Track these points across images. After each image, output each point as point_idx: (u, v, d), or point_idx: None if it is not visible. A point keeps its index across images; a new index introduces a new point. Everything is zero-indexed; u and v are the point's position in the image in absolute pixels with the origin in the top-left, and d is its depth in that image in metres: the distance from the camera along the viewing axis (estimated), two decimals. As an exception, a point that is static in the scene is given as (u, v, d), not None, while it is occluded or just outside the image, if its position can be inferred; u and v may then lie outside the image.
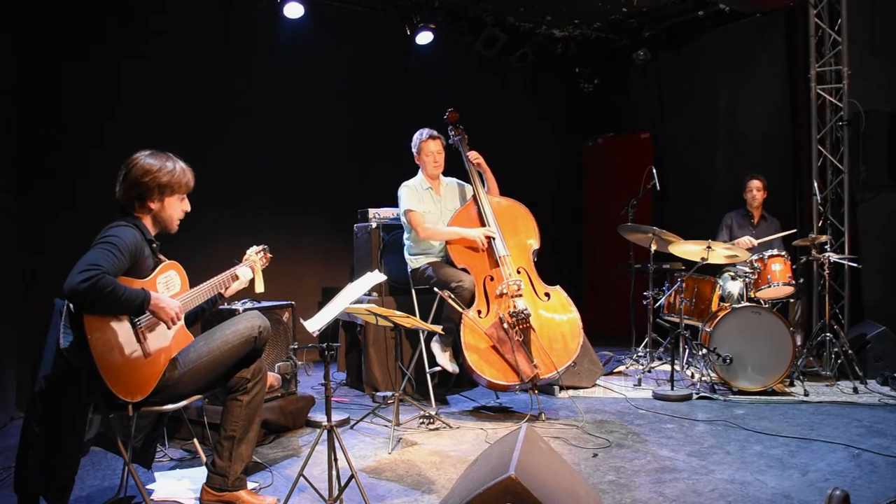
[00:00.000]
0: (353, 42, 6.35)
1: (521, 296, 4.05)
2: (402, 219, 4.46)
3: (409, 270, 4.52)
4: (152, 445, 2.96)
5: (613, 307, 6.98)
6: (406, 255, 4.55)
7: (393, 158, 5.00)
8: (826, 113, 5.78)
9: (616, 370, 5.44)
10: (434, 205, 4.47)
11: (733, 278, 4.95)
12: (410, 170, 4.59)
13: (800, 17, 5.96)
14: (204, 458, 3.03)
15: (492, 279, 4.16)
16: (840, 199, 5.78)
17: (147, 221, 2.63)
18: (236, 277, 2.83)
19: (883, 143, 5.43)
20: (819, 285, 5.65)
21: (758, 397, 4.45)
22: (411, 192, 4.44)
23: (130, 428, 2.73)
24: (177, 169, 2.64)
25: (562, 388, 4.57)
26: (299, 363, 4.68)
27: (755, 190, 5.49)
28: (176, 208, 2.68)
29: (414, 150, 4.51)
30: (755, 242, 5.24)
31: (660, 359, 5.44)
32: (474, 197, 4.39)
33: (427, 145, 4.44)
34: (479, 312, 4.08)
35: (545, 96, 7.90)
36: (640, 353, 5.66)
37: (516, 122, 7.49)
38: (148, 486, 2.86)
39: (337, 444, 2.59)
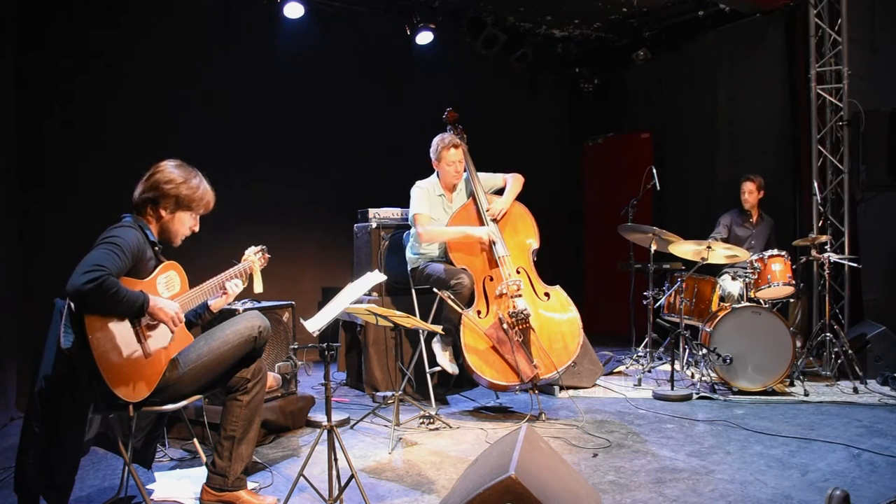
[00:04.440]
0: (354, 42, 6.36)
1: (520, 296, 4.05)
2: (410, 220, 4.44)
3: (409, 270, 4.52)
4: (152, 445, 2.95)
5: (613, 307, 6.98)
6: (408, 254, 4.54)
7: (393, 158, 5.01)
8: (826, 113, 5.78)
9: (616, 370, 5.44)
10: (444, 212, 4.42)
11: (733, 278, 4.95)
12: (411, 170, 4.58)
13: (800, 17, 5.96)
14: (204, 458, 3.03)
15: (491, 279, 4.16)
16: (840, 199, 5.78)
17: (152, 228, 2.63)
18: (226, 290, 2.81)
19: (883, 143, 5.43)
20: (819, 285, 5.64)
21: (758, 397, 4.45)
22: (423, 196, 4.38)
23: (130, 428, 2.72)
24: (200, 187, 2.66)
25: (562, 388, 4.57)
26: (299, 363, 4.68)
27: (747, 192, 5.51)
28: (185, 224, 2.68)
29: (433, 156, 4.41)
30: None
31: (660, 359, 5.44)
32: (473, 197, 4.38)
33: (448, 154, 4.32)
34: (479, 313, 4.08)
35: (545, 96, 7.90)
36: (640, 353, 5.66)
37: (516, 123, 7.49)
38: (148, 486, 2.86)
39: (337, 444, 2.59)
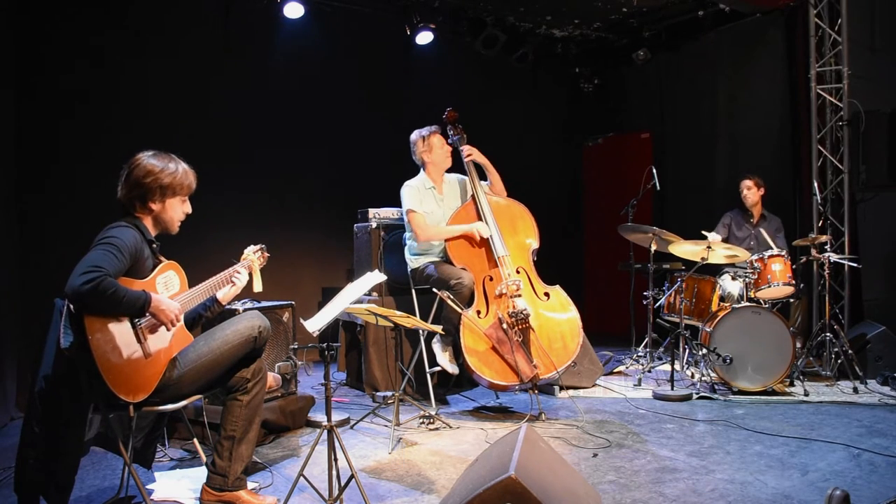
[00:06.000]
0: (354, 42, 6.35)
1: (520, 296, 4.05)
2: (405, 218, 4.45)
3: (409, 270, 4.52)
4: (152, 445, 2.96)
5: (613, 307, 6.98)
6: (407, 255, 4.55)
7: (393, 158, 5.00)
8: (826, 113, 5.78)
9: (616, 370, 5.44)
10: (437, 205, 4.45)
11: (733, 278, 4.95)
12: (411, 169, 4.58)
13: (800, 17, 5.96)
14: (204, 458, 3.03)
15: (491, 279, 4.16)
16: (840, 199, 5.78)
17: (147, 222, 2.63)
18: (234, 282, 2.82)
19: (883, 143, 5.43)
20: (819, 285, 5.65)
21: (758, 397, 4.45)
22: (413, 192, 4.41)
23: (130, 428, 2.72)
24: (179, 170, 2.64)
25: (562, 388, 4.57)
26: (299, 363, 4.68)
27: (745, 189, 5.52)
28: (177, 210, 2.68)
29: (420, 148, 4.45)
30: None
31: (660, 359, 5.44)
32: (473, 197, 4.38)
33: (436, 139, 4.42)
34: (479, 313, 4.08)
35: (545, 96, 7.90)
36: (640, 353, 5.65)
37: (516, 122, 7.49)
38: (148, 486, 2.86)
39: (337, 444, 2.59)
